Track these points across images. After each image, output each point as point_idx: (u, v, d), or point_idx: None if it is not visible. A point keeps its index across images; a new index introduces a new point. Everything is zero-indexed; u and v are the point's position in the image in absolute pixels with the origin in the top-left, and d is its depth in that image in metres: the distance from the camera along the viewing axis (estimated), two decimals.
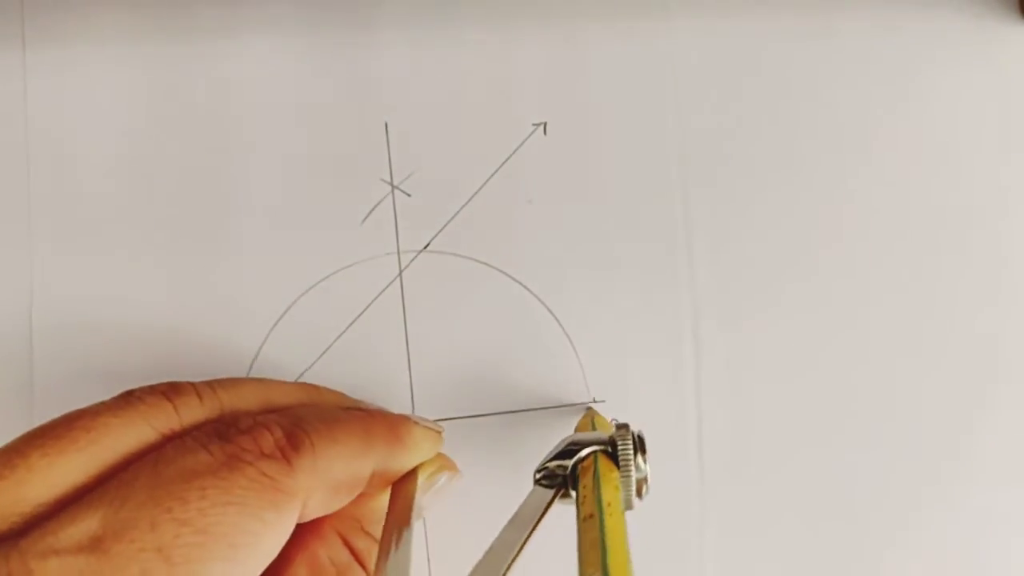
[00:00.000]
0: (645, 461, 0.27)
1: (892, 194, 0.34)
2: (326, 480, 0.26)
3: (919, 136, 0.34)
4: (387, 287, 0.33)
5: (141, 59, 0.34)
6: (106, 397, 0.32)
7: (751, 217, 0.34)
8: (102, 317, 0.33)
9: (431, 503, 0.30)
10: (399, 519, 0.27)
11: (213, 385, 0.28)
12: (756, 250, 0.34)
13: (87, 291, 0.33)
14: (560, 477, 0.27)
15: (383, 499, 0.28)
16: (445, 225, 0.34)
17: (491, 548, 0.24)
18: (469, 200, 0.34)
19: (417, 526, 0.32)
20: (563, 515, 0.26)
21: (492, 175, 0.34)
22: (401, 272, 0.33)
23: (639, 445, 0.27)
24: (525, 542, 0.24)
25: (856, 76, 0.35)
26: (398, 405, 0.33)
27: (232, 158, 0.34)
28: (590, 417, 0.31)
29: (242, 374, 0.33)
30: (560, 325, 0.33)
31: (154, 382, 0.32)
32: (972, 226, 0.34)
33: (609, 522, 0.24)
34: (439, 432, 0.30)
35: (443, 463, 0.30)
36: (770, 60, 0.35)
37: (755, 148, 0.34)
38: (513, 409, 0.32)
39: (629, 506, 0.27)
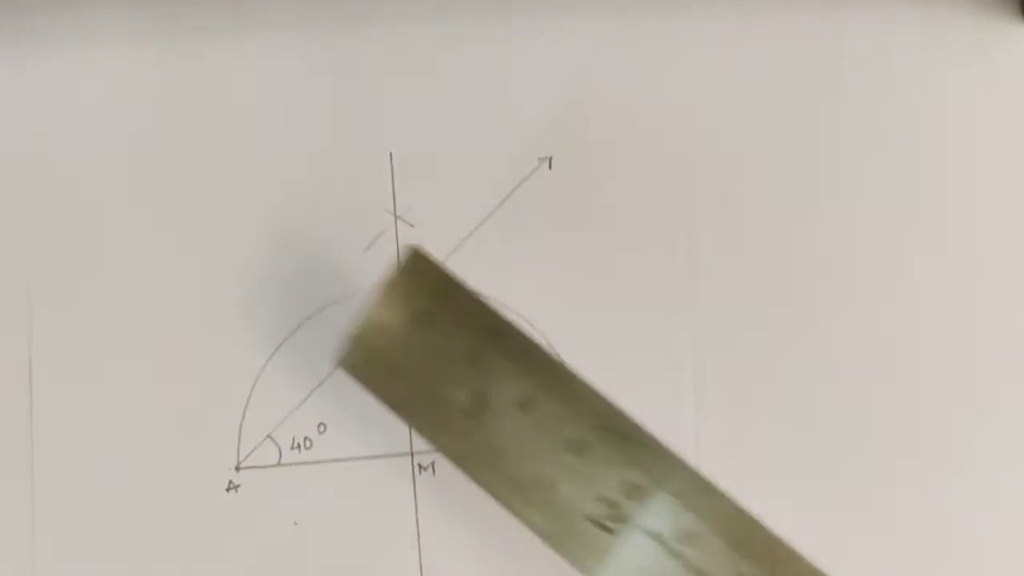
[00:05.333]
0: None
1: (890, 197, 0.34)
2: None
3: (918, 136, 0.34)
4: None
5: (139, 61, 0.34)
6: (107, 417, 0.33)
7: (756, 258, 0.34)
8: (100, 331, 0.33)
9: None
10: None
11: None
12: (760, 288, 0.34)
13: (84, 298, 0.33)
14: None
15: None
16: (447, 257, 0.34)
17: None
18: (472, 232, 0.34)
19: (412, 554, 0.32)
20: None
21: (496, 208, 0.34)
22: None
23: None
24: None
25: (853, 76, 0.35)
26: (396, 435, 0.33)
27: (232, 177, 0.34)
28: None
29: (241, 402, 0.33)
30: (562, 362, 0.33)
31: (152, 407, 0.33)
32: (972, 227, 0.34)
33: None
34: None
35: None
36: (767, 63, 0.35)
37: (761, 182, 0.34)
38: None
39: None
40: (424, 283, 0.27)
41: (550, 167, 0.34)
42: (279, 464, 0.33)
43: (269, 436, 0.33)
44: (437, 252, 0.33)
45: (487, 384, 0.26)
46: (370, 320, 0.27)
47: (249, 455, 0.33)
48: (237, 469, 0.33)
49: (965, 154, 0.34)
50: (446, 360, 0.26)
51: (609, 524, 0.25)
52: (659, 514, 0.25)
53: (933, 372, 0.34)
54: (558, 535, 0.26)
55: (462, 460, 0.26)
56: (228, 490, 0.33)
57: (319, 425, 0.33)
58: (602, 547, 0.25)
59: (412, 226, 0.34)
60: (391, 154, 0.34)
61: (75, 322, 0.33)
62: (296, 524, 0.33)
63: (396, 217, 0.34)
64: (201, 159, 0.34)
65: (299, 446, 0.33)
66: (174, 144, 0.34)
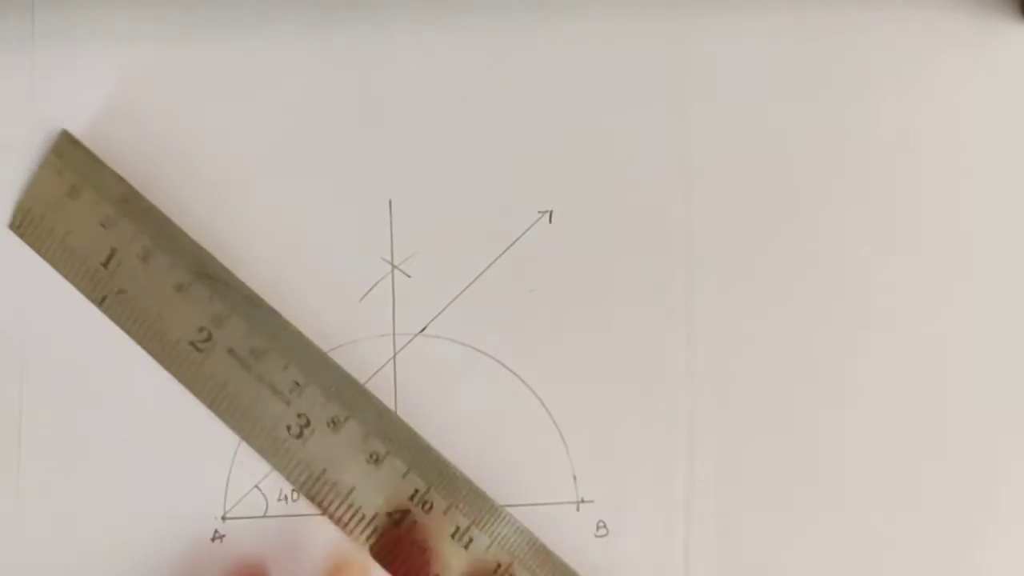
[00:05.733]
0: None
1: (890, 197, 0.33)
2: None
3: (918, 136, 0.34)
4: (380, 369, 0.33)
5: (151, 61, 0.34)
6: (95, 463, 0.32)
7: (754, 322, 0.33)
8: (92, 379, 0.33)
9: None
10: None
11: None
12: (757, 354, 0.33)
13: (79, 345, 0.33)
14: None
15: None
16: (443, 309, 0.33)
17: None
18: (469, 285, 0.33)
19: None
20: None
21: (494, 261, 0.33)
22: (395, 354, 0.33)
23: None
24: None
25: (853, 76, 0.34)
26: None
27: (224, 220, 0.34)
28: None
29: (230, 451, 0.32)
30: (552, 420, 0.32)
31: (140, 454, 0.33)
32: (972, 229, 0.33)
33: None
34: None
35: None
36: (764, 66, 0.34)
37: (762, 236, 0.33)
38: (498, 504, 0.32)
39: None
40: (73, 162, 0.33)
41: (550, 221, 0.34)
42: (265, 515, 0.32)
43: (256, 487, 0.33)
44: (434, 303, 0.33)
45: (116, 242, 0.33)
46: (30, 191, 0.33)
47: (236, 505, 0.33)
48: (223, 519, 0.32)
49: (965, 153, 0.34)
50: (88, 224, 0.33)
51: (200, 346, 0.32)
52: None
53: (940, 392, 0.33)
54: (161, 357, 0.33)
55: (101, 303, 0.33)
56: (213, 540, 0.32)
57: None
58: (194, 361, 0.32)
59: (409, 276, 0.33)
60: (390, 202, 0.34)
61: (67, 369, 0.33)
62: None
63: (393, 267, 0.34)
64: (193, 205, 0.34)
65: (286, 498, 0.32)
66: (176, 156, 0.34)
